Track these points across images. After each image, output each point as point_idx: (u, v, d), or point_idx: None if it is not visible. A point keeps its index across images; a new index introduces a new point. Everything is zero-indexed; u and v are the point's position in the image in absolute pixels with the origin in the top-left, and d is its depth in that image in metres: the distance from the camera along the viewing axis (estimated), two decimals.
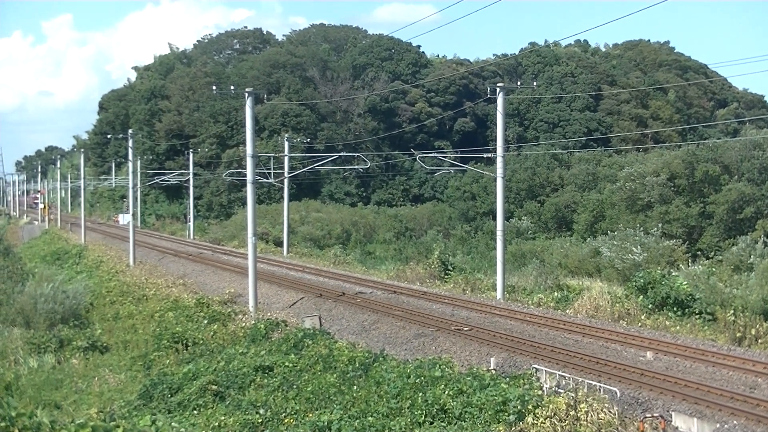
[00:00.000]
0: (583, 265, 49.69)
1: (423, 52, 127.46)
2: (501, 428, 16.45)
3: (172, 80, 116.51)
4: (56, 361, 29.12)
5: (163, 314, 33.74)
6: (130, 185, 62.23)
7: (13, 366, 28.37)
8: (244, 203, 54.01)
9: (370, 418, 17.41)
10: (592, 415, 16.52)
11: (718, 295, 30.47)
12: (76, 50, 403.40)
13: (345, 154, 69.92)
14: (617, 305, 31.01)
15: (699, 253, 52.10)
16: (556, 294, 35.60)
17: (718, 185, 58.95)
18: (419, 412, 17.63)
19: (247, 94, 34.78)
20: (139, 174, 79.72)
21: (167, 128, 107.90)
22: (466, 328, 27.31)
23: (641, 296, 31.58)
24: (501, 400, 17.15)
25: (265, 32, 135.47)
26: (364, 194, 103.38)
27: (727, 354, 22.39)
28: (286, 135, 70.21)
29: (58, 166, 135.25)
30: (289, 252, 59.56)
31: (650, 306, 30.63)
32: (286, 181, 60.68)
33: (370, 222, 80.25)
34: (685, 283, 32.00)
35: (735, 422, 16.58)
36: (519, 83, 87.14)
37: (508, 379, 19.45)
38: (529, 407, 16.82)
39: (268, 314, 32.27)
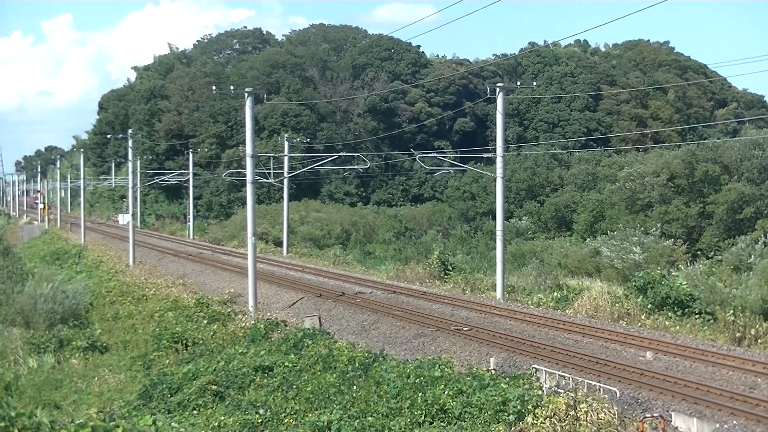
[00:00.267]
0: (582, 265, 49.69)
1: (423, 52, 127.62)
2: (501, 428, 16.45)
3: (171, 80, 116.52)
4: (56, 361, 29.12)
5: (162, 314, 33.74)
6: (130, 185, 62.22)
7: (12, 366, 28.37)
8: (244, 203, 54.00)
9: (369, 418, 17.41)
10: (591, 415, 16.52)
11: (718, 295, 30.46)
12: (76, 50, 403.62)
13: (345, 154, 69.86)
14: (617, 305, 31.01)
15: (699, 253, 52.11)
16: (555, 294, 35.59)
17: (718, 185, 58.96)
18: (419, 412, 17.63)
19: (246, 94, 34.78)
20: (138, 174, 79.72)
21: (167, 128, 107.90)
22: (465, 328, 27.31)
23: (641, 296, 31.58)
24: (501, 400, 17.16)
25: (264, 32, 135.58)
26: (364, 194, 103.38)
27: (726, 354, 22.39)
28: (286, 135, 70.22)
29: (58, 166, 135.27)
30: (289, 252, 59.56)
31: (650, 306, 30.63)
32: (285, 181, 60.68)
33: (369, 222, 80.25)
34: (685, 283, 32.00)
35: (735, 422, 16.58)
36: (519, 83, 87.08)
37: (507, 379, 19.45)
38: (529, 407, 16.82)
39: (268, 314, 32.27)
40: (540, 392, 18.07)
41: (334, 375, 21.17)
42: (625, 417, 17.24)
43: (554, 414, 16.57)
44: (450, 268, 44.11)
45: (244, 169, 42.06)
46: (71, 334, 32.33)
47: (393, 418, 17.59)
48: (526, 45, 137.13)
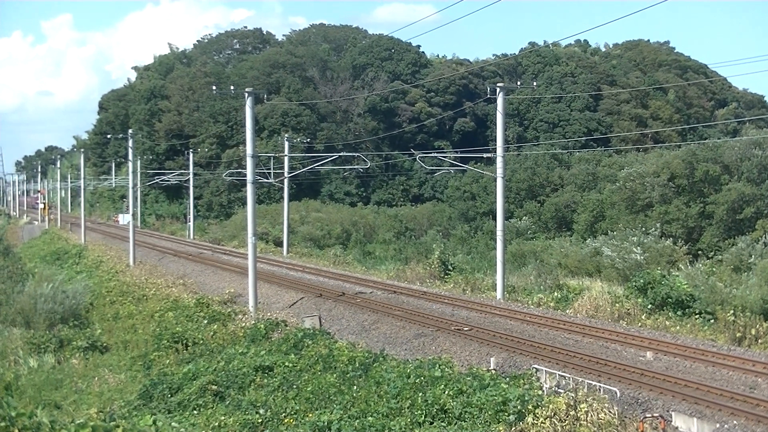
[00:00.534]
0: (583, 265, 49.67)
1: (423, 52, 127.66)
2: (501, 428, 16.44)
3: (172, 80, 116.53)
4: (56, 361, 29.12)
5: (163, 314, 33.74)
6: (130, 185, 62.23)
7: (13, 366, 28.37)
8: (244, 203, 54.01)
9: (370, 418, 17.40)
10: (592, 415, 16.52)
11: (718, 295, 30.45)
12: (76, 50, 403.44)
13: (345, 154, 69.91)
14: (617, 305, 31.01)
15: (699, 253, 52.09)
16: (556, 294, 35.57)
17: (718, 185, 58.94)
18: (419, 412, 17.63)
19: (247, 94, 34.78)
20: (139, 174, 79.69)
21: (167, 128, 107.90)
22: (466, 328, 27.31)
23: (641, 296, 31.58)
24: (501, 400, 17.15)
25: (265, 32, 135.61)
26: (364, 194, 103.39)
27: (727, 354, 22.39)
28: (286, 135, 70.22)
29: (58, 166, 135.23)
30: (289, 252, 59.56)
31: (650, 306, 30.64)
32: (286, 181, 60.68)
33: (370, 222, 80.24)
34: (685, 283, 32.00)
35: (735, 422, 16.58)
36: (519, 83, 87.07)
37: (508, 379, 19.45)
38: (529, 407, 16.82)
39: (268, 314, 32.27)
40: (540, 392, 18.07)
41: (335, 375, 21.16)
42: (626, 417, 17.24)
43: (554, 414, 16.56)
44: (450, 268, 44.10)
45: (244, 169, 42.08)
46: (71, 334, 32.34)
47: (393, 418, 17.59)
48: (526, 45, 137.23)
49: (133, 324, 34.12)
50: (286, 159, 60.42)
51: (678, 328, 27.91)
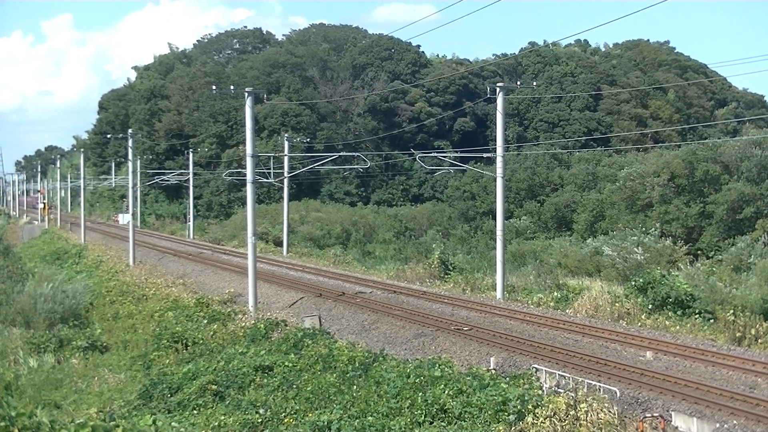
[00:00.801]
0: (582, 264, 49.69)
1: (423, 51, 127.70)
2: (501, 428, 16.44)
3: (171, 80, 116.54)
4: (56, 360, 29.12)
5: (162, 314, 33.73)
6: (130, 185, 62.23)
7: (12, 366, 28.36)
8: (244, 203, 54.01)
9: (369, 418, 17.40)
10: (591, 415, 16.52)
11: (718, 295, 30.46)
12: (76, 50, 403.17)
13: (345, 153, 69.86)
14: (617, 305, 31.00)
15: (699, 252, 52.10)
16: (555, 294, 35.57)
17: (718, 185, 58.95)
18: (419, 411, 17.63)
19: (246, 94, 34.77)
20: (138, 174, 79.72)
21: (167, 128, 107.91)
22: (465, 328, 27.31)
23: (641, 296, 31.58)
24: (501, 400, 17.15)
25: (265, 32, 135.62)
26: (364, 194, 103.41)
27: (726, 354, 22.39)
28: (286, 135, 70.22)
29: (58, 166, 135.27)
30: (289, 252, 59.57)
31: (650, 306, 30.63)
32: (285, 181, 60.69)
33: (369, 222, 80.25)
34: (685, 283, 31.99)
35: (735, 422, 16.58)
36: (519, 83, 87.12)
37: (507, 378, 19.45)
38: (529, 407, 16.82)
39: (268, 314, 32.27)
40: (540, 392, 18.06)
41: (334, 375, 21.16)
42: (625, 417, 17.24)
43: (554, 414, 16.56)
44: (450, 267, 44.10)
45: (244, 168, 42.07)
46: (71, 333, 32.33)
47: (393, 417, 17.59)
48: (526, 45, 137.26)
49: (132, 324, 34.12)
50: (286, 159, 60.42)
51: (678, 327, 27.91)
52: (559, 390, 18.62)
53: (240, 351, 25.57)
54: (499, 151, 35.86)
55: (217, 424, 18.55)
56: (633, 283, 33.09)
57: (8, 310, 35.68)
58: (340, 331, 29.21)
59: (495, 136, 37.67)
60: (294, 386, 20.96)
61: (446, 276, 42.65)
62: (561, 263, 49.87)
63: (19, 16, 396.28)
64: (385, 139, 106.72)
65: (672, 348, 23.27)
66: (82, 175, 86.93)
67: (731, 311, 27.82)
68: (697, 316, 29.52)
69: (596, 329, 26.39)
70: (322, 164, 59.50)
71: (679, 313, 30.04)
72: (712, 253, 50.85)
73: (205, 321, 31.21)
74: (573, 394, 17.23)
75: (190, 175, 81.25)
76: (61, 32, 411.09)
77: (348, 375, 20.89)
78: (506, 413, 16.78)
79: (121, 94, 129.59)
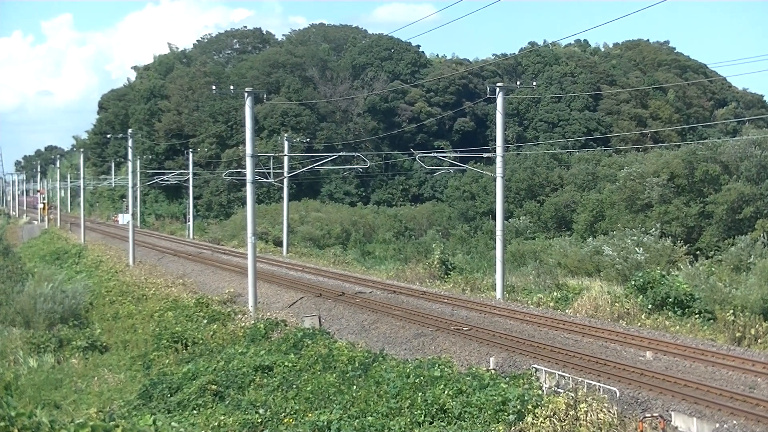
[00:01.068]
0: (582, 264, 49.68)
1: (422, 51, 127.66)
2: (501, 428, 16.44)
3: (171, 80, 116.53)
4: (56, 360, 29.12)
5: (162, 314, 33.73)
6: (130, 185, 62.23)
7: (12, 366, 28.36)
8: (244, 203, 54.00)
9: (369, 418, 17.40)
10: (591, 415, 16.52)
11: (718, 295, 30.45)
12: (76, 50, 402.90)
13: (344, 153, 69.80)
14: (617, 305, 31.00)
15: (699, 252, 52.09)
16: (555, 294, 35.56)
17: (718, 185, 58.95)
18: (419, 411, 17.63)
19: (246, 94, 34.77)
20: (138, 174, 79.69)
21: (167, 128, 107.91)
22: (465, 328, 27.31)
23: (641, 296, 31.58)
24: (500, 400, 17.15)
25: (264, 32, 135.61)
26: (364, 194, 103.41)
27: (726, 354, 22.40)
28: (286, 135, 70.22)
29: (58, 165, 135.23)
30: (289, 252, 59.57)
31: (650, 306, 30.63)
32: (285, 181, 60.69)
33: (369, 222, 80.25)
34: (685, 282, 31.99)
35: (734, 422, 16.58)
36: (519, 83, 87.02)
37: (507, 378, 19.45)
38: (529, 407, 16.82)
39: (268, 314, 32.27)
40: (540, 392, 18.07)
41: (334, 375, 21.16)
42: (625, 417, 17.25)
43: (554, 414, 16.57)
44: (450, 267, 44.08)
45: (244, 168, 42.05)
46: (71, 333, 32.33)
47: (393, 417, 17.59)
48: (526, 45, 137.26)
49: (132, 324, 34.12)
50: (285, 159, 60.42)
51: (677, 327, 27.91)
52: (559, 390, 18.62)
53: (240, 351, 25.57)
54: (499, 151, 35.86)
55: (216, 424, 18.55)
56: (633, 283, 33.08)
57: (8, 310, 35.68)
58: (340, 331, 29.21)
59: (495, 136, 37.69)
60: (294, 386, 20.96)
61: (446, 276, 42.64)
62: (561, 263, 49.86)
63: (19, 16, 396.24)
64: (384, 139, 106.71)
65: (672, 348, 23.27)
66: (81, 175, 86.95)
67: (731, 311, 27.80)
68: (696, 316, 29.52)
69: (596, 329, 26.39)
70: (322, 164, 59.49)
71: (678, 313, 30.04)
72: (712, 253, 50.84)
73: (205, 321, 31.21)
74: (573, 394, 17.23)
75: (190, 175, 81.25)
76: (61, 32, 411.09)
77: (348, 375, 20.90)
78: (506, 413, 16.79)
79: (121, 94, 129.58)
